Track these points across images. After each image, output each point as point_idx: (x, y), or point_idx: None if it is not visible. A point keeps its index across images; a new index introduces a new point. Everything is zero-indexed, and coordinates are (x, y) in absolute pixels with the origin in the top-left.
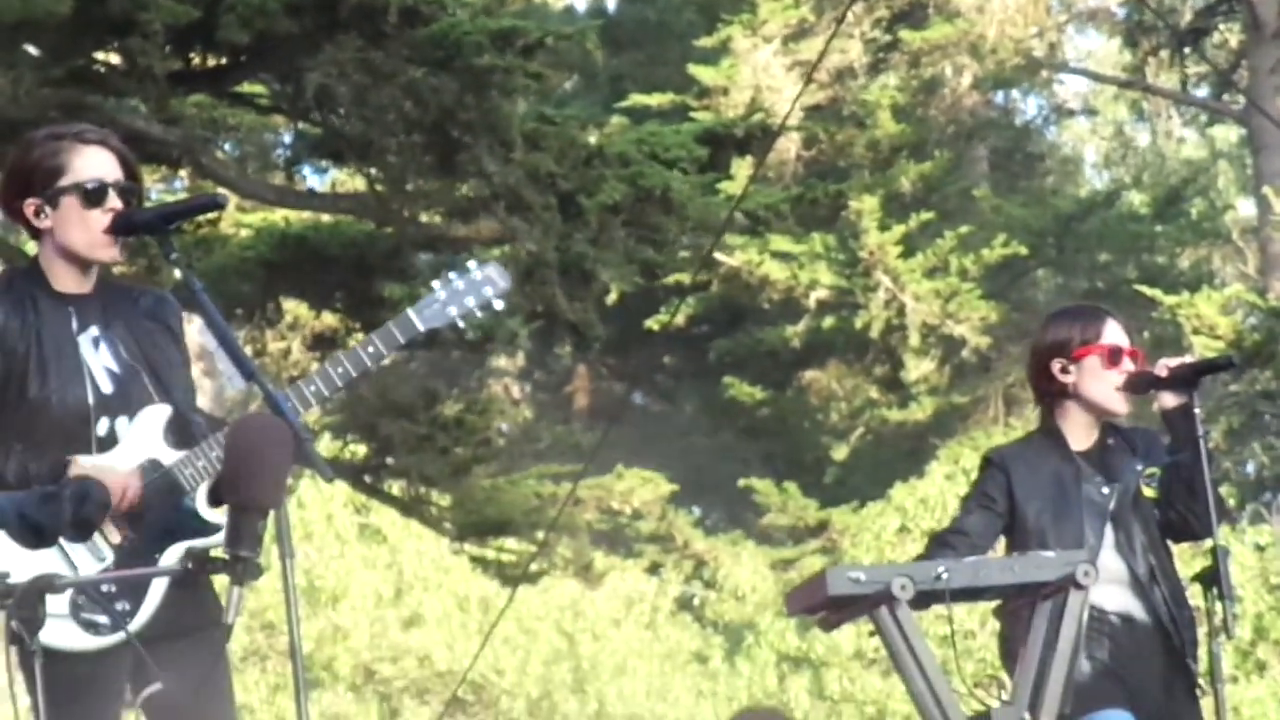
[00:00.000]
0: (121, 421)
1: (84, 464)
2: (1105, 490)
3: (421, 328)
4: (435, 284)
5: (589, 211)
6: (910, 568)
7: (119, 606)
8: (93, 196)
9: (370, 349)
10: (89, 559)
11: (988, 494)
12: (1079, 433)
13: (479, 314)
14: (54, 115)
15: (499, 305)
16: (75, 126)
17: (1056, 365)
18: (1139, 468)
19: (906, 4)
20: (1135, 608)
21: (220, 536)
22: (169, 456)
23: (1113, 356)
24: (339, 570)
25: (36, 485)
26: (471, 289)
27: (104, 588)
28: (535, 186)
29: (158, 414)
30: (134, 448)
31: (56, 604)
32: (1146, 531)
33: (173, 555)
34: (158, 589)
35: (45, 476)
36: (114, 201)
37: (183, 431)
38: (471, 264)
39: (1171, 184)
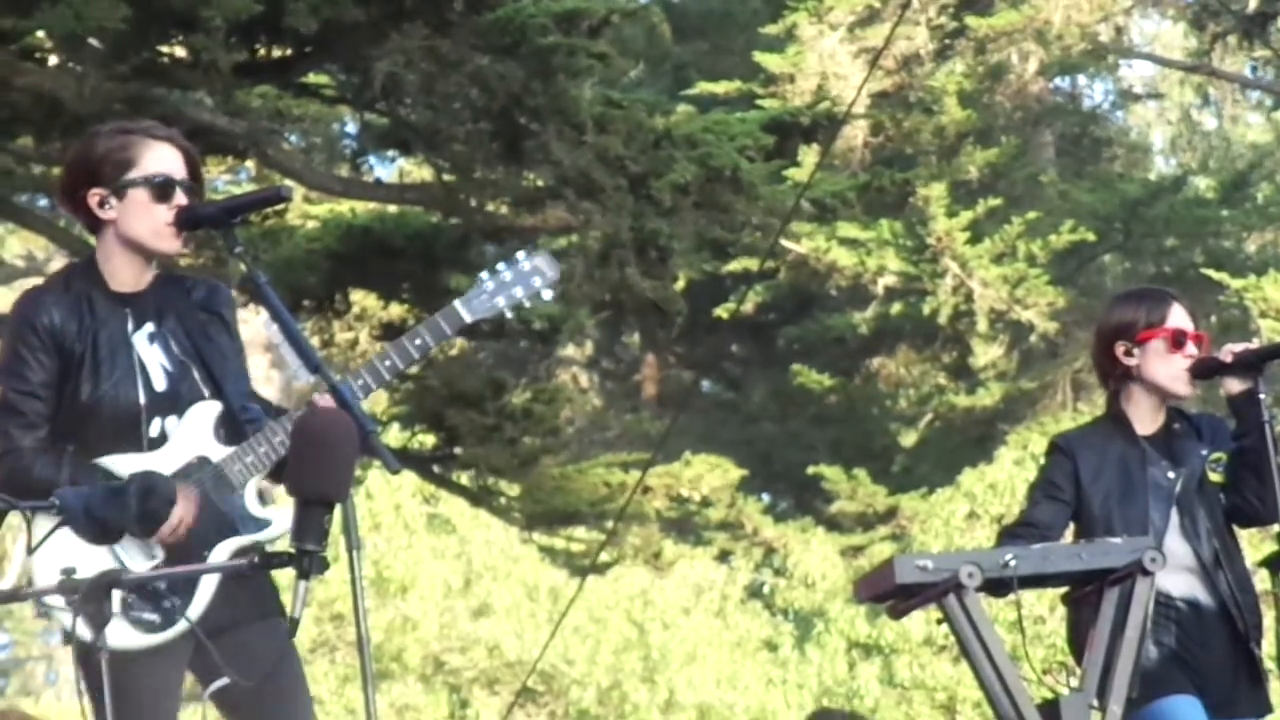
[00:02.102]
0: (172, 420)
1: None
2: (1171, 474)
3: (468, 319)
4: (483, 275)
5: (660, 191)
6: (978, 555)
7: (168, 603)
8: (160, 191)
9: (417, 341)
10: (140, 557)
11: (1055, 483)
12: (1144, 417)
13: (527, 304)
14: (119, 109)
15: (548, 295)
16: (144, 122)
17: (1120, 348)
18: (1204, 453)
19: None
20: (1201, 592)
21: (269, 531)
22: (218, 453)
23: (1176, 340)
24: (407, 560)
25: (66, 473)
26: (519, 279)
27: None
28: (606, 169)
29: (207, 411)
30: (183, 445)
31: None
32: (1211, 516)
33: (223, 552)
34: (209, 584)
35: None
36: (180, 198)
37: (233, 427)
38: (520, 254)
39: (1238, 168)
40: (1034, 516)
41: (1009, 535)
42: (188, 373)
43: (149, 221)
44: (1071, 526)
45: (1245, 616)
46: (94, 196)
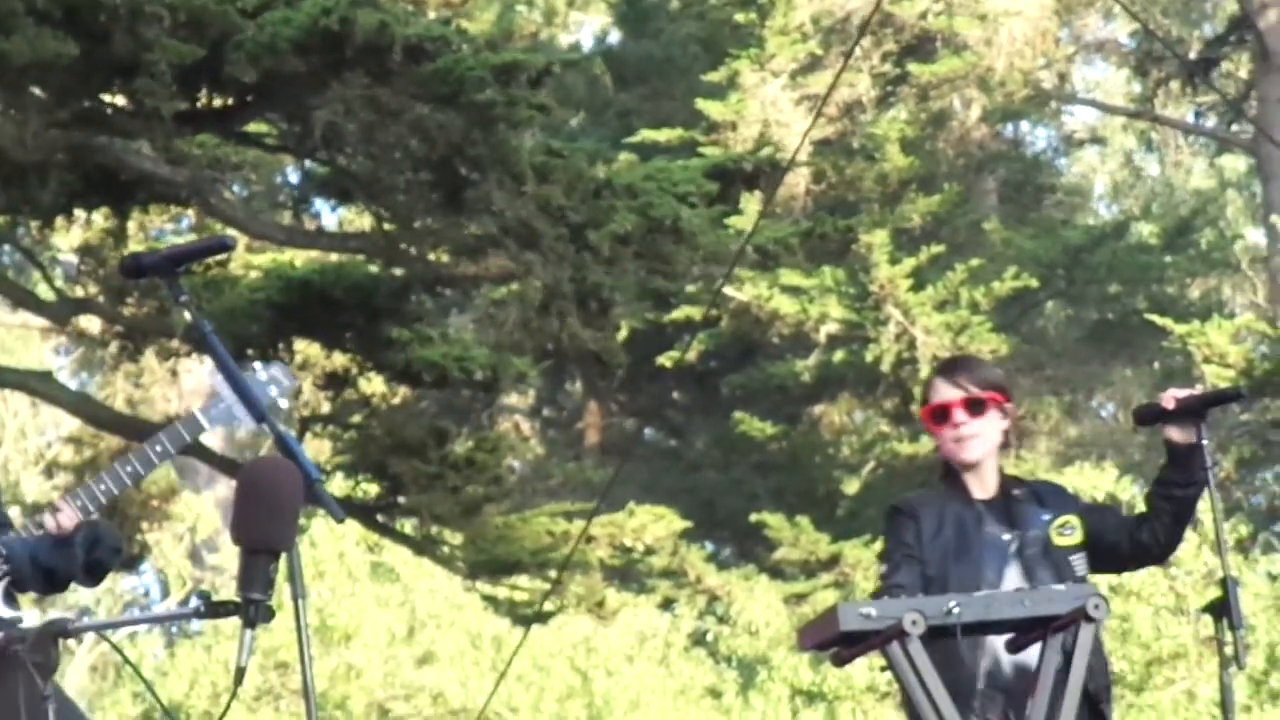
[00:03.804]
0: None
1: None
2: (1006, 536)
3: (208, 427)
4: (218, 386)
5: (599, 241)
6: (921, 602)
7: None
8: None
9: (157, 448)
10: None
11: (906, 542)
12: (974, 484)
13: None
14: (60, 159)
15: (284, 404)
16: None
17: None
18: (1046, 518)
19: (915, 38)
20: (1035, 656)
21: (22, 626)
22: None
23: (935, 416)
24: (351, 608)
25: None
26: (256, 389)
27: None
28: (546, 219)
29: None
30: None
31: None
32: (1058, 578)
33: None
34: None
35: None
36: None
37: None
38: (257, 364)
39: (1181, 214)
40: (899, 580)
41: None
42: None
43: None
44: None
45: (1096, 678)
46: None
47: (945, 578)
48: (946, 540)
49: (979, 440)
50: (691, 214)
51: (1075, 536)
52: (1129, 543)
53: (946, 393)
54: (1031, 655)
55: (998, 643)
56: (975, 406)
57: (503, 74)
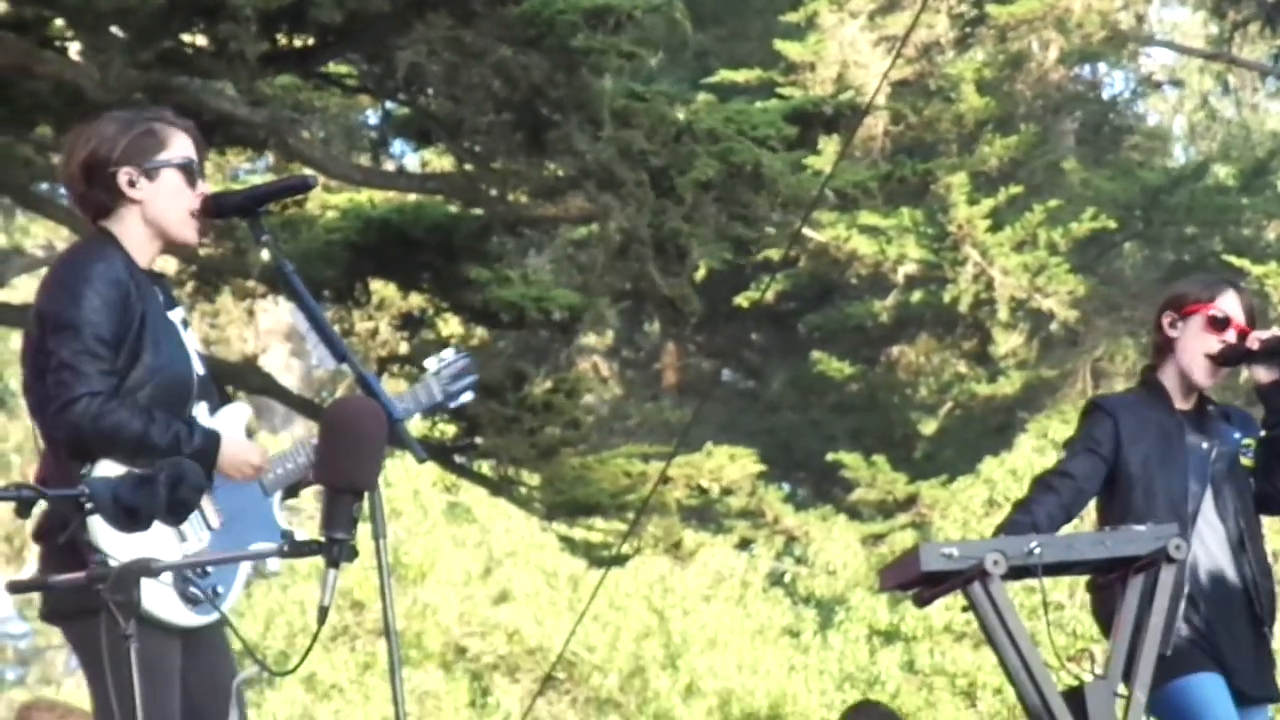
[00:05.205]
0: (201, 408)
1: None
2: (1205, 445)
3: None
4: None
5: (682, 188)
6: (1003, 543)
7: (214, 588)
8: (190, 175)
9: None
10: (194, 535)
11: (1095, 438)
12: (1177, 394)
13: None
14: (139, 98)
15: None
16: (163, 110)
17: (1167, 318)
18: (1237, 436)
19: None
20: (1227, 567)
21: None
22: None
23: (1215, 322)
24: (425, 546)
25: (160, 418)
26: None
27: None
28: (627, 163)
29: (241, 412)
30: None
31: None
32: (1240, 498)
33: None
34: (242, 578)
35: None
36: (203, 186)
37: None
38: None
39: (1258, 156)
40: (1071, 467)
41: (1043, 486)
42: (205, 366)
43: (179, 205)
44: (1089, 507)
45: (1263, 600)
46: (124, 175)
47: (1151, 483)
48: (1149, 445)
49: (1225, 368)
50: (772, 159)
51: (1251, 460)
52: (1258, 488)
53: (1236, 309)
54: (1225, 563)
55: (1197, 547)
56: (1244, 338)
57: (592, 18)
